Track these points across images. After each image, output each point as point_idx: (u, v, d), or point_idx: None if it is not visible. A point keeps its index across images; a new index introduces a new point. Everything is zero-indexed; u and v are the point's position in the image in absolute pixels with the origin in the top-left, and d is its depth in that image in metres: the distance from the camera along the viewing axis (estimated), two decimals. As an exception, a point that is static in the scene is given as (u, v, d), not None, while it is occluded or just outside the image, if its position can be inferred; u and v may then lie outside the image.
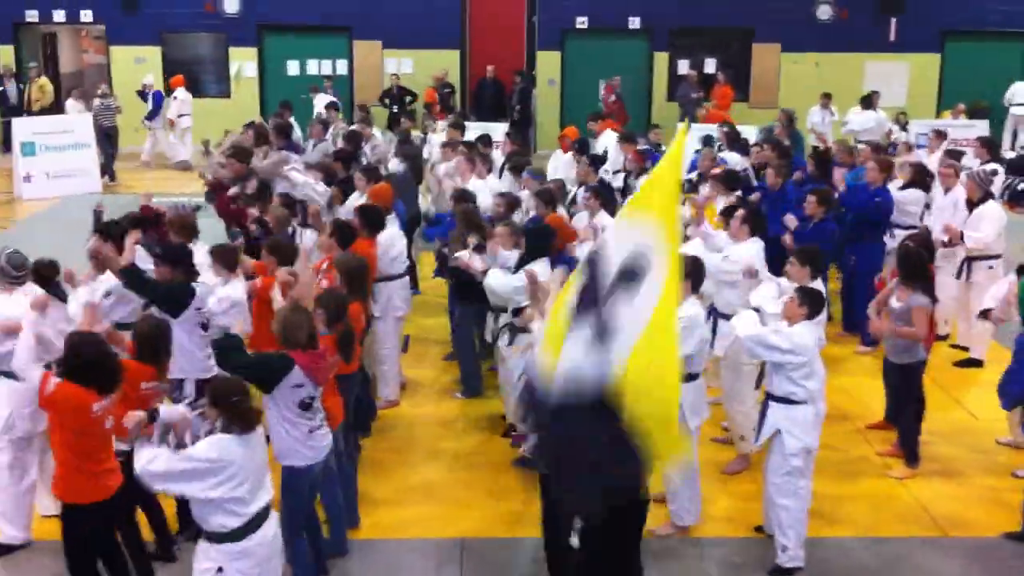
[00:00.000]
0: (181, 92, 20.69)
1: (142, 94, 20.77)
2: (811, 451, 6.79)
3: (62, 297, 7.24)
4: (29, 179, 17.95)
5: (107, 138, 19.41)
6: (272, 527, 5.43)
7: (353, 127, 14.94)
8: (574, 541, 6.05)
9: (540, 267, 8.16)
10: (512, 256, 8.38)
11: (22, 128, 18.32)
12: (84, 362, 5.69)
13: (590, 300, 4.91)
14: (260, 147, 13.22)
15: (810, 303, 6.78)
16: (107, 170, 19.37)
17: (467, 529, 7.36)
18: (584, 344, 4.82)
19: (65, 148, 18.28)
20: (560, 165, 13.49)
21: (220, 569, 5.23)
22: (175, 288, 7.30)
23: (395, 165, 13.00)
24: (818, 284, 7.54)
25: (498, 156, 13.31)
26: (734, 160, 13.10)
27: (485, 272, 8.40)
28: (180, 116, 20.64)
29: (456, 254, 8.83)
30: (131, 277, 7.24)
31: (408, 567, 6.93)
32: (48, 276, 7.12)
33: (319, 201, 10.48)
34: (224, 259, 7.84)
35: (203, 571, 5.28)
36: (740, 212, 8.76)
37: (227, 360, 5.98)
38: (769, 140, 13.80)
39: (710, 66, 22.44)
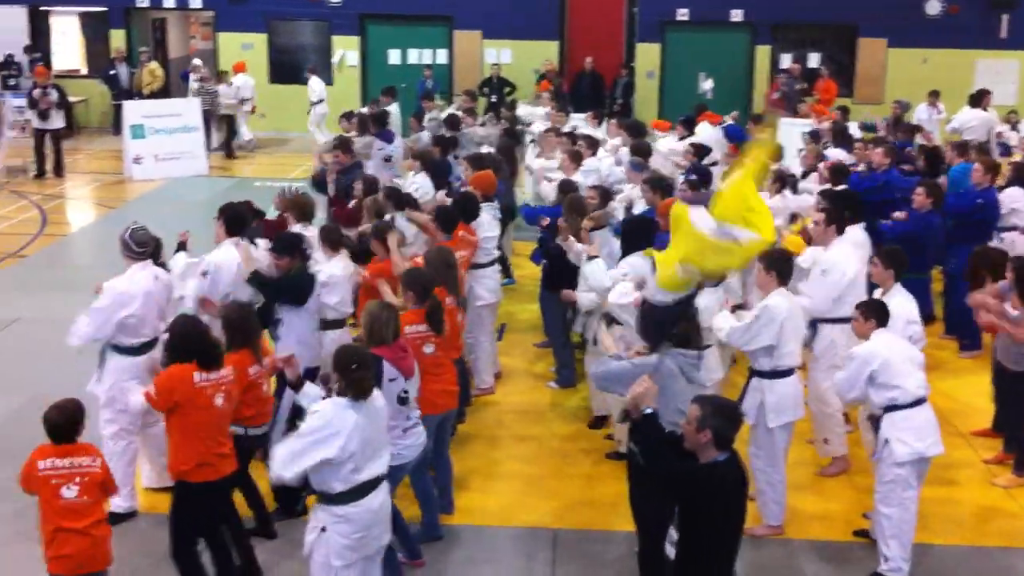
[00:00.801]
0: (239, 78, 21.06)
1: (184, 76, 21.25)
2: (924, 458, 6.64)
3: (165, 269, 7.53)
4: (139, 161, 18.45)
5: (207, 121, 19.80)
6: (379, 499, 5.51)
7: (450, 111, 15.11)
8: (669, 550, 5.99)
9: (638, 260, 8.16)
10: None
11: (132, 111, 18.82)
12: (181, 338, 5.97)
13: None
14: (361, 136, 13.48)
15: (876, 315, 6.75)
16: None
17: (560, 519, 7.40)
18: None
19: (173, 131, 18.75)
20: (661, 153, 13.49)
21: (323, 529, 5.40)
22: (297, 279, 7.49)
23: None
24: (898, 288, 7.44)
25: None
26: (840, 157, 12.89)
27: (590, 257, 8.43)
28: (242, 101, 20.97)
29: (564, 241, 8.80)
30: (255, 283, 7.50)
31: (501, 554, 7.00)
32: (152, 252, 7.39)
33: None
34: (328, 238, 8.03)
35: (310, 528, 5.47)
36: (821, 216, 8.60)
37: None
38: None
39: (813, 60, 22.07)
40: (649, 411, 5.12)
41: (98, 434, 7.00)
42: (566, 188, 10.09)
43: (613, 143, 13.10)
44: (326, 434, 5.30)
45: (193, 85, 20.18)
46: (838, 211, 8.54)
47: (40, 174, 18.32)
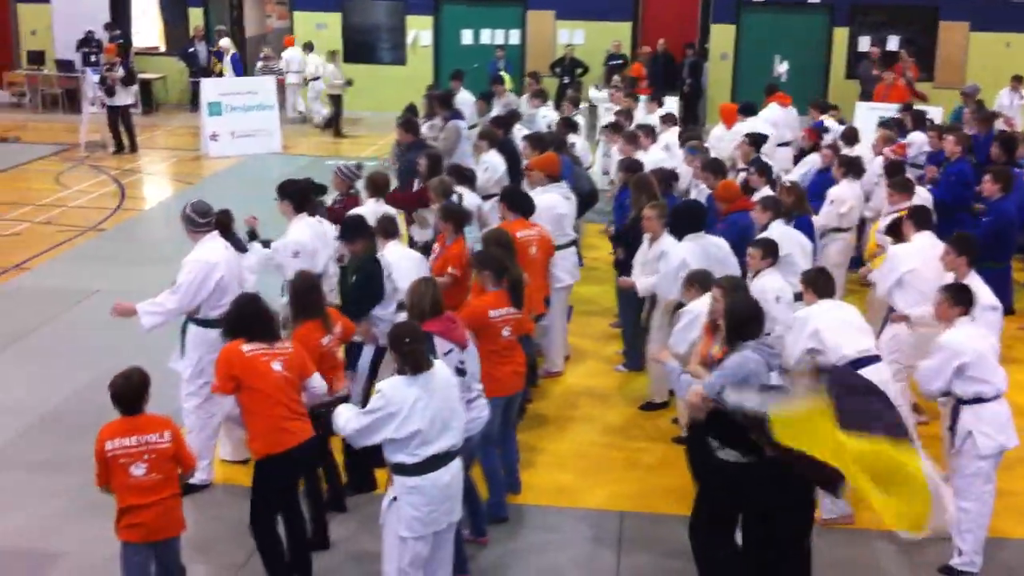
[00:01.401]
0: (288, 52, 21.52)
1: (218, 55, 21.47)
2: (1005, 451, 6.52)
3: (239, 246, 7.64)
4: (215, 137, 18.73)
5: None
6: (451, 473, 5.58)
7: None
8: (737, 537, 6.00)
9: (690, 245, 8.13)
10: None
11: (210, 89, 19.10)
12: (236, 314, 6.08)
13: None
14: (430, 118, 13.55)
15: (964, 301, 6.57)
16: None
17: (625, 502, 7.41)
18: None
19: (249, 109, 19.00)
20: (720, 140, 13.37)
21: (395, 498, 5.51)
22: (368, 271, 7.46)
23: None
24: (973, 276, 7.29)
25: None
26: (919, 141, 12.68)
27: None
28: (287, 73, 21.35)
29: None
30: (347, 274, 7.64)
31: (567, 535, 7.03)
32: (225, 224, 7.55)
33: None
34: (381, 228, 8.10)
35: (386, 497, 5.58)
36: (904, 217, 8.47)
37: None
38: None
39: (892, 43, 21.63)
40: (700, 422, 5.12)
41: (178, 407, 7.17)
42: (632, 167, 10.09)
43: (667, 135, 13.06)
44: (386, 414, 5.40)
45: (258, 64, 20.42)
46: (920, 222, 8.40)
47: (118, 149, 18.70)
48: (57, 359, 9.51)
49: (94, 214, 14.69)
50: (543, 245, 8.59)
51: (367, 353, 7.22)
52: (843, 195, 10.20)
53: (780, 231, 8.41)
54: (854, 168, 10.49)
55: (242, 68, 21.50)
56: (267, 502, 6.08)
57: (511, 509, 7.17)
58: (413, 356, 5.48)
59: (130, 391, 5.47)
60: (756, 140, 11.94)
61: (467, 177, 10.09)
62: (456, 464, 5.63)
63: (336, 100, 20.75)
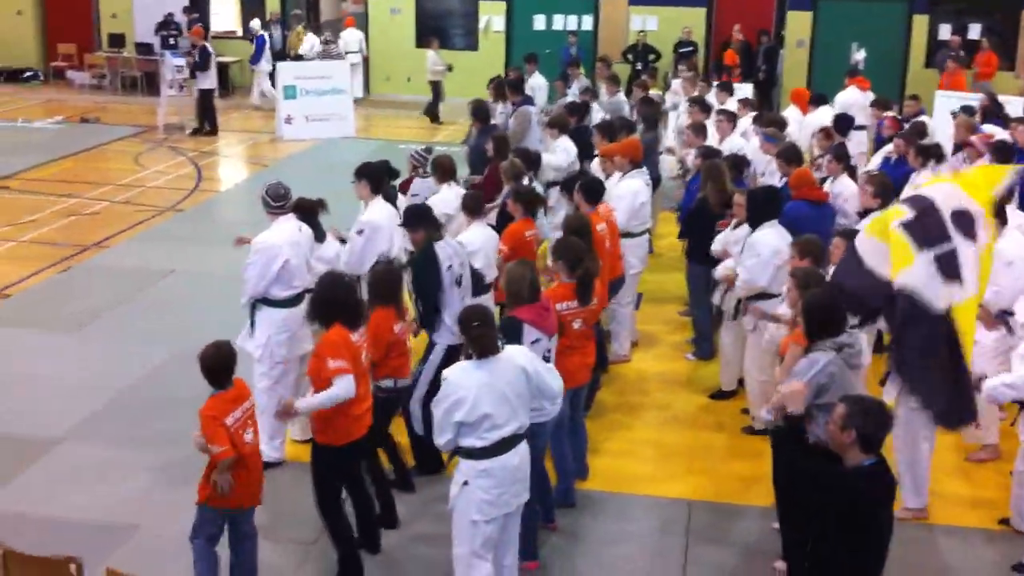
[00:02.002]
0: (347, 33, 22.11)
1: (249, 38, 21.76)
2: None
3: (319, 234, 7.72)
4: (290, 121, 18.95)
5: None
6: (519, 455, 5.58)
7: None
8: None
9: (769, 232, 8.03)
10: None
11: (285, 72, 19.32)
12: (326, 296, 6.06)
13: (936, 236, 5.22)
14: (498, 102, 13.58)
15: None
16: None
17: (692, 491, 7.38)
18: (927, 274, 5.15)
19: (324, 93, 19.19)
20: (799, 125, 13.23)
21: (466, 483, 5.52)
22: (419, 263, 7.40)
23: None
24: None
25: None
26: (995, 131, 12.38)
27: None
28: (348, 53, 21.73)
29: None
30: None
31: (635, 523, 7.02)
32: (310, 211, 7.66)
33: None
34: (466, 205, 8.14)
35: (455, 482, 5.61)
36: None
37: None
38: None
39: (974, 32, 21.16)
40: (795, 413, 4.99)
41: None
42: (708, 154, 10.06)
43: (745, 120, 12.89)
44: (454, 400, 5.41)
45: (317, 48, 20.57)
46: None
47: (197, 130, 19.03)
48: (135, 337, 9.72)
49: (172, 195, 14.97)
50: (614, 237, 8.57)
51: (439, 349, 7.24)
52: (921, 184, 10.00)
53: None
54: (933, 154, 10.26)
55: (262, 52, 21.42)
56: (331, 485, 6.17)
57: (580, 495, 7.18)
58: (481, 341, 5.48)
59: (221, 361, 5.54)
60: (840, 125, 11.76)
61: (533, 161, 10.10)
62: (524, 446, 5.64)
63: (436, 86, 20.80)
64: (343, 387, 5.80)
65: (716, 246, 8.62)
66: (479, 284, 7.81)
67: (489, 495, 5.51)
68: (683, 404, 8.80)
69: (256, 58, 21.51)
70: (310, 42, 21.44)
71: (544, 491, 6.68)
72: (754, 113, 13.11)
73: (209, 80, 19.18)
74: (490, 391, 5.43)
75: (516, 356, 5.62)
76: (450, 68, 20.79)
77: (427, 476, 7.30)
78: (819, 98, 14.31)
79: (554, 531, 6.78)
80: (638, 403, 8.79)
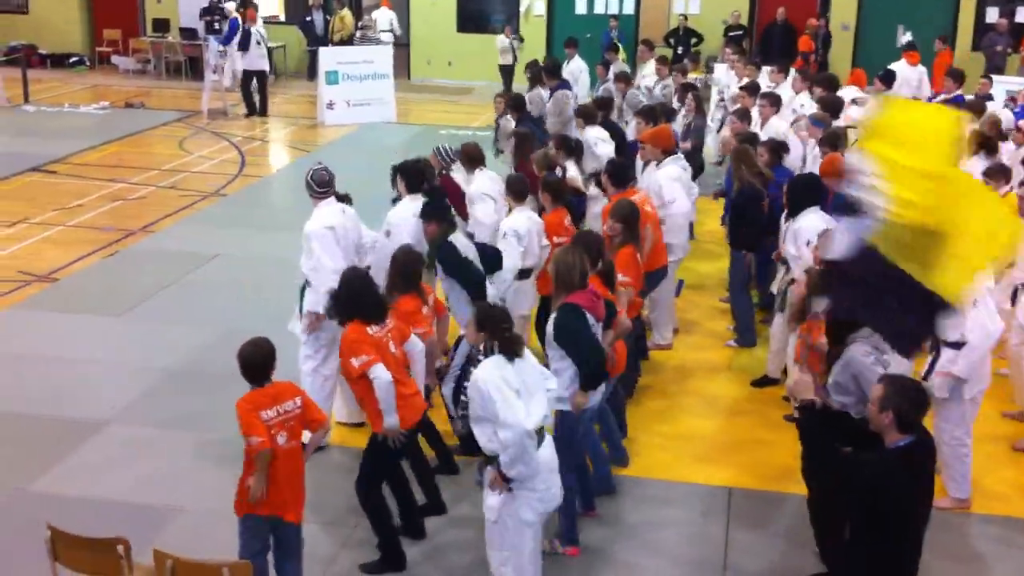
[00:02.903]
0: (380, 12, 22.48)
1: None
2: None
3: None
4: (332, 106, 19.03)
5: None
6: (549, 448, 5.56)
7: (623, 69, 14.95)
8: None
9: (811, 217, 7.99)
10: None
11: (327, 57, 19.38)
12: (347, 292, 6.14)
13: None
14: (535, 87, 13.56)
15: None
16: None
17: (733, 478, 7.37)
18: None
19: (365, 78, 19.24)
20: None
21: (510, 488, 5.45)
22: (454, 262, 7.47)
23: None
24: None
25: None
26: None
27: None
28: (381, 31, 21.88)
29: None
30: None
31: (674, 510, 7.02)
32: (344, 198, 7.71)
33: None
34: (512, 188, 8.15)
35: (489, 491, 5.56)
36: None
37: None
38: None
39: (1022, 15, 20.80)
40: (808, 402, 4.96)
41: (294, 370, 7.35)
42: (743, 139, 10.01)
43: (798, 100, 12.71)
44: (511, 392, 5.31)
45: (356, 33, 20.60)
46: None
47: (250, 112, 19.45)
48: (180, 320, 9.84)
49: (216, 179, 15.10)
50: (655, 226, 8.51)
51: (464, 346, 7.25)
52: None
53: None
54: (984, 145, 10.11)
55: (232, 35, 20.62)
56: (379, 473, 6.24)
57: (619, 481, 7.20)
58: (511, 343, 5.50)
59: (259, 359, 5.44)
60: None
61: (572, 148, 10.08)
62: (549, 442, 5.60)
63: (504, 71, 20.72)
64: (380, 376, 5.84)
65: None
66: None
67: (537, 491, 5.45)
68: (724, 391, 8.77)
69: (228, 39, 21.64)
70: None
71: (584, 479, 6.69)
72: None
73: (249, 61, 19.26)
74: (521, 387, 5.41)
75: (530, 356, 5.64)
76: (522, 39, 20.72)
77: (470, 457, 7.32)
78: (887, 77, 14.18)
79: (594, 517, 6.79)
80: (679, 390, 8.77)
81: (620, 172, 8.71)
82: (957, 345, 6.55)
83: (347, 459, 7.25)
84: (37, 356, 9.07)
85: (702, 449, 7.83)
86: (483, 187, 8.87)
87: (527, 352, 5.60)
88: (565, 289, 6.19)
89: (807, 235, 7.83)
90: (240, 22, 20.65)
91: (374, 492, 6.23)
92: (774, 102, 11.84)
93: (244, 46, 19.20)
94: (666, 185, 9.16)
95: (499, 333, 5.52)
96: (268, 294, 9.99)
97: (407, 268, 6.78)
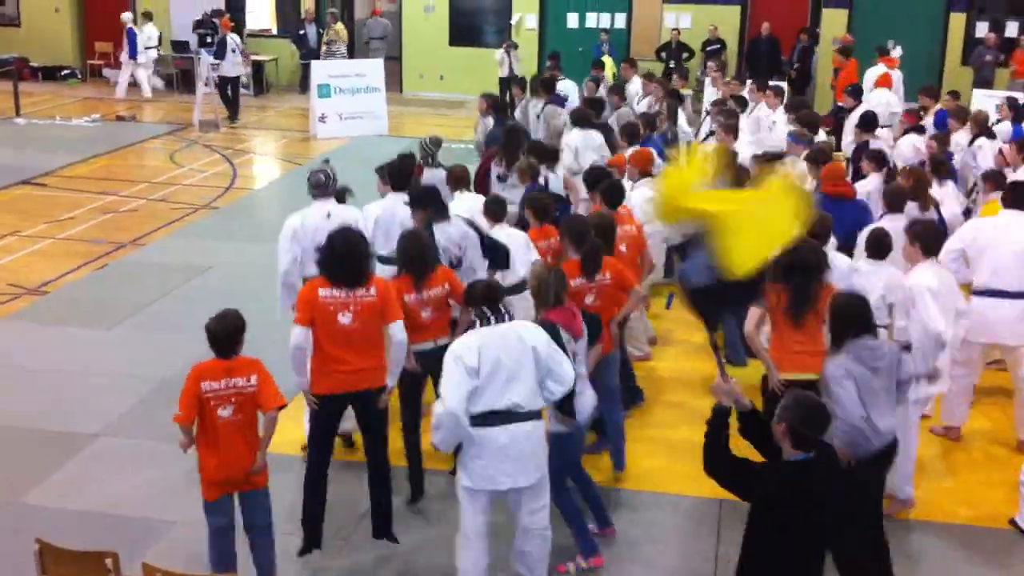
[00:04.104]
0: (371, 20, 22.86)
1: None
2: None
3: None
4: (324, 119, 19.06)
5: None
6: (508, 434, 5.51)
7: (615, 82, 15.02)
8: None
9: None
10: None
11: (320, 70, 19.42)
12: (327, 250, 6.20)
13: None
14: (520, 97, 13.64)
15: None
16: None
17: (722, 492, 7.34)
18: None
19: (357, 91, 19.28)
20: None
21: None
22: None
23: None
24: None
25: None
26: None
27: None
28: (372, 39, 22.60)
29: None
30: None
31: (665, 522, 7.04)
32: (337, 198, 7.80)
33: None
34: (487, 210, 8.18)
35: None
36: None
37: None
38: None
39: (1011, 29, 20.94)
40: (723, 408, 5.02)
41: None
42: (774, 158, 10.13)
43: (772, 117, 12.82)
44: (453, 370, 5.44)
45: (323, 48, 20.59)
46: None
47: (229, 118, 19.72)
48: (172, 332, 9.81)
49: (207, 192, 15.10)
50: (632, 244, 8.44)
51: None
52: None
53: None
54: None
55: (135, 46, 21.76)
56: (312, 436, 6.42)
57: (606, 493, 7.15)
58: (492, 291, 5.69)
59: (222, 331, 5.59)
60: (867, 122, 11.65)
61: (548, 155, 10.11)
62: (519, 429, 5.51)
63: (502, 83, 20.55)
64: (292, 337, 6.05)
65: None
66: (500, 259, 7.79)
67: (474, 463, 5.53)
68: (709, 403, 8.74)
69: (132, 52, 21.79)
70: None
71: (591, 495, 6.66)
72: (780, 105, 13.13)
73: (225, 68, 19.57)
74: (486, 355, 5.43)
75: (525, 333, 5.59)
76: (516, 46, 20.67)
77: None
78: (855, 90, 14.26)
79: (613, 536, 6.72)
80: (665, 401, 8.78)
81: (612, 191, 8.62)
82: (907, 347, 6.61)
83: (343, 471, 7.19)
84: (28, 369, 9.05)
85: (690, 461, 7.80)
86: (459, 209, 8.80)
87: (517, 327, 5.60)
88: (541, 306, 6.24)
89: None
90: (137, 33, 20.84)
91: (309, 454, 6.41)
92: (729, 116, 12.06)
93: (220, 55, 19.45)
94: (637, 207, 9.12)
95: (477, 306, 5.60)
96: (261, 305, 9.87)
97: (403, 250, 6.76)
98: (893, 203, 8.52)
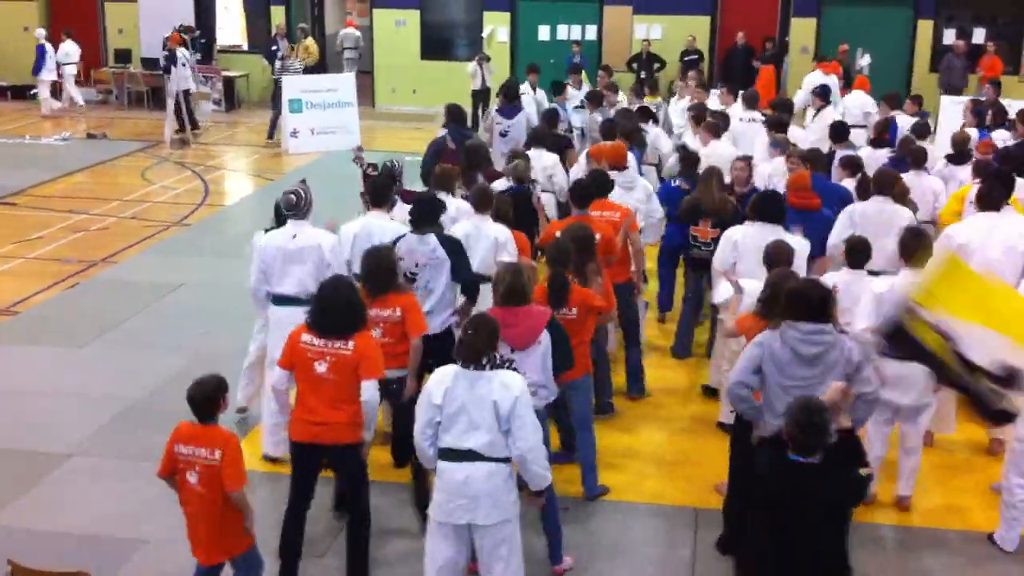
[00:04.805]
0: (344, 31, 23.22)
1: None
2: None
3: None
4: (295, 134, 19.01)
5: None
6: (466, 472, 5.44)
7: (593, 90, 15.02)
8: None
9: (749, 228, 8.14)
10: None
11: (291, 86, 19.36)
12: (317, 297, 6.19)
13: None
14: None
15: None
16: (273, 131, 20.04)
17: (699, 497, 7.36)
18: None
19: (328, 106, 19.24)
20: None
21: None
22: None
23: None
24: None
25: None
26: (1002, 138, 12.38)
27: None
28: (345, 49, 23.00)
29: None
30: None
31: (641, 530, 7.02)
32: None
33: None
34: (475, 198, 8.17)
35: None
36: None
37: None
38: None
39: (979, 36, 21.17)
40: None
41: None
42: (689, 157, 10.17)
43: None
44: (422, 403, 5.48)
45: (277, 63, 20.37)
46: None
47: (188, 129, 19.73)
48: (145, 350, 9.76)
49: (178, 209, 15.03)
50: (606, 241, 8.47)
51: None
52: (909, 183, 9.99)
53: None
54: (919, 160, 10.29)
55: (43, 62, 21.78)
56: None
57: (575, 503, 7.16)
58: (464, 346, 5.45)
59: (200, 397, 5.46)
60: (838, 133, 11.69)
61: (484, 160, 10.23)
62: (478, 469, 5.42)
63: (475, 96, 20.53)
64: (273, 374, 6.09)
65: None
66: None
67: (438, 496, 5.52)
68: (678, 408, 8.83)
69: (37, 68, 21.80)
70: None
71: (548, 530, 6.50)
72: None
73: (176, 82, 19.57)
74: (453, 398, 5.40)
75: (498, 386, 5.41)
76: (488, 58, 20.58)
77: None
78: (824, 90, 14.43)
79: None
80: (631, 406, 8.78)
81: (583, 191, 8.63)
82: None
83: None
84: (-2, 389, 8.97)
85: (664, 467, 7.83)
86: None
87: (497, 378, 5.43)
88: (495, 303, 6.27)
89: (726, 240, 8.21)
90: (46, 49, 20.72)
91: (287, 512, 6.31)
92: (726, 121, 12.24)
93: (168, 69, 19.55)
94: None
95: (462, 333, 5.53)
96: (233, 322, 9.92)
97: (364, 271, 6.70)
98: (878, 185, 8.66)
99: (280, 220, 7.77)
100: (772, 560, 5.06)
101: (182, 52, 19.64)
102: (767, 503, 5.03)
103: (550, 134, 11.75)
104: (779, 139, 11.08)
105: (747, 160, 10.17)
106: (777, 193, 8.93)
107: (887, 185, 8.69)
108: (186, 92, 19.73)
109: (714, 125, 11.55)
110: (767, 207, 8.18)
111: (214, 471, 5.42)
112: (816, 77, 16.20)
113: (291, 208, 7.47)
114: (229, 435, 5.54)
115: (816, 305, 5.73)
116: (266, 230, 7.87)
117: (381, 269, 6.66)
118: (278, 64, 20.31)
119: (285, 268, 7.40)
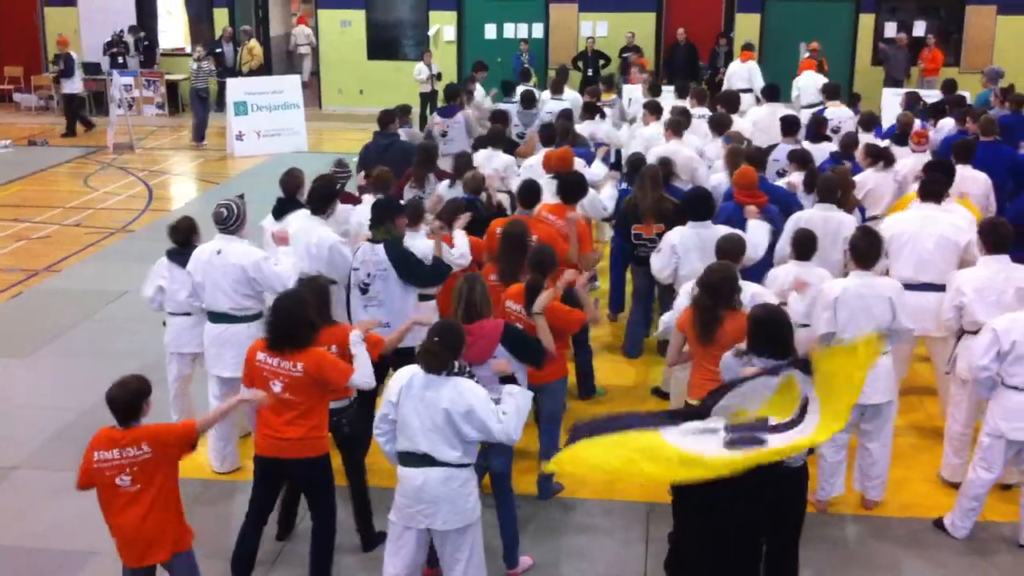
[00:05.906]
0: (296, 28, 24.51)
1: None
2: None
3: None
4: (241, 137, 18.85)
5: (199, 100, 19.63)
6: (424, 477, 5.47)
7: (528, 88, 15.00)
8: None
9: (686, 231, 8.21)
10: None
11: (236, 88, 19.20)
12: (271, 312, 6.06)
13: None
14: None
15: None
16: (199, 133, 19.83)
17: (651, 492, 7.35)
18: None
19: (274, 108, 19.10)
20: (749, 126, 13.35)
21: None
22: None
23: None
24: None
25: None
26: (948, 127, 12.56)
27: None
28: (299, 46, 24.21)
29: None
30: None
31: (594, 526, 7.04)
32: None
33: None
34: (409, 214, 8.07)
35: None
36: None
37: None
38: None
39: (919, 29, 21.49)
40: None
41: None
42: (635, 162, 10.23)
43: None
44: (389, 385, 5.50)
45: (192, 66, 19.96)
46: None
47: (66, 134, 20.15)
48: (89, 359, 9.62)
49: (123, 215, 14.83)
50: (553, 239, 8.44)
51: None
52: (862, 180, 10.09)
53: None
54: (881, 156, 10.35)
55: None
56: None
57: (529, 502, 7.16)
58: (426, 354, 5.46)
59: (122, 400, 5.23)
60: (788, 126, 11.72)
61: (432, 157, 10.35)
62: (435, 474, 5.44)
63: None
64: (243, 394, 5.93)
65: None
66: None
67: (399, 499, 5.58)
68: (631, 406, 8.78)
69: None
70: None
71: (504, 533, 6.48)
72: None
73: (72, 85, 20.31)
74: (408, 399, 5.44)
75: (452, 392, 5.41)
76: (439, 76, 20.27)
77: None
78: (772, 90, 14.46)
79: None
80: (583, 409, 8.71)
81: (527, 191, 8.69)
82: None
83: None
84: (-61, 403, 8.79)
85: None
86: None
87: (452, 385, 5.43)
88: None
89: (664, 244, 8.30)
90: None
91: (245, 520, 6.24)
92: (654, 110, 12.47)
93: (68, 73, 19.94)
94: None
95: (426, 340, 5.52)
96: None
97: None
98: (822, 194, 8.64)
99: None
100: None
101: (75, 56, 20.28)
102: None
103: (504, 134, 11.73)
104: (733, 135, 11.23)
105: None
106: (704, 190, 8.96)
107: (831, 192, 8.64)
108: (80, 97, 20.42)
109: (676, 123, 11.48)
110: (697, 206, 8.25)
111: (148, 465, 5.24)
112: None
113: (221, 222, 7.32)
114: (152, 428, 5.32)
115: (774, 336, 5.67)
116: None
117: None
118: (194, 67, 19.88)
119: (210, 284, 7.33)
